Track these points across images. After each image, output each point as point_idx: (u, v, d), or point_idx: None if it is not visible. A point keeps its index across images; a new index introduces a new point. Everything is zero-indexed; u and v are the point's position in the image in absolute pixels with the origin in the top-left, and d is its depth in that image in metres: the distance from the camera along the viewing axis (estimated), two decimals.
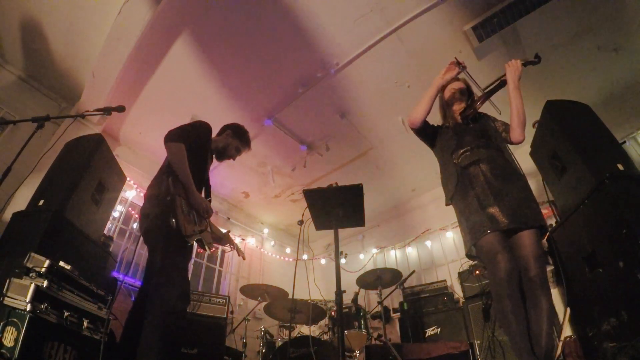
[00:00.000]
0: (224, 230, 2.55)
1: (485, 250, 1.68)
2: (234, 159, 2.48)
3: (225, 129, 2.48)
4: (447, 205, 2.02)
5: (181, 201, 1.90)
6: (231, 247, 2.60)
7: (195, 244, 2.11)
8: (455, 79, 2.18)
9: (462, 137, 1.99)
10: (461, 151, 1.94)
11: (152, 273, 1.83)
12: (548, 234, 2.35)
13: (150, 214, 1.89)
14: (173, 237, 1.83)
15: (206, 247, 2.09)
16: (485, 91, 2.04)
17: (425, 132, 2.14)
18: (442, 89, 2.20)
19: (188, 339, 3.09)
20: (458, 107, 2.14)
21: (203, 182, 2.22)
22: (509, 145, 1.98)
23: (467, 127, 2.05)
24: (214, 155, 2.42)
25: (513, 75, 1.91)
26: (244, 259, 2.78)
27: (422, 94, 2.07)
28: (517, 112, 1.88)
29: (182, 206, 1.89)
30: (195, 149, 2.08)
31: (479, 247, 1.72)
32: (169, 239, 1.83)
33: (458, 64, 1.99)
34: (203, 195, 2.19)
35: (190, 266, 5.01)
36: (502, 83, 2.01)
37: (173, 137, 1.98)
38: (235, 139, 2.42)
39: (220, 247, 2.54)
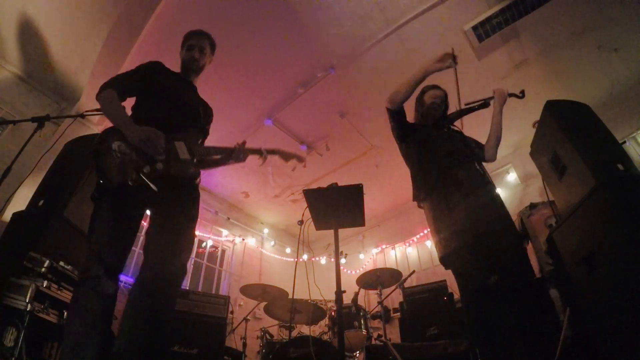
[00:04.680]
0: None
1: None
2: (199, 63, 2.07)
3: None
4: (414, 199, 2.06)
5: (116, 145, 1.50)
6: (262, 159, 1.96)
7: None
8: (436, 87, 2.25)
9: (444, 140, 2.06)
10: (444, 152, 1.99)
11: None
12: (549, 233, 2.35)
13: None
14: (114, 199, 1.45)
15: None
16: (466, 106, 2.13)
17: (400, 118, 2.14)
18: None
19: (188, 339, 3.08)
20: (435, 114, 2.19)
21: (184, 113, 1.81)
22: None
23: (446, 133, 2.12)
24: (192, 81, 2.08)
25: (500, 100, 2.10)
26: (304, 165, 2.27)
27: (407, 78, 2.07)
28: (496, 134, 2.10)
29: (114, 151, 1.49)
30: (145, 87, 1.77)
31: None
32: (110, 205, 1.45)
33: (453, 57, 2.00)
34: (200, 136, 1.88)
35: (190, 266, 5.01)
36: (484, 104, 2.11)
37: (100, 89, 1.68)
38: (183, 48, 2.12)
39: (235, 163, 1.96)
